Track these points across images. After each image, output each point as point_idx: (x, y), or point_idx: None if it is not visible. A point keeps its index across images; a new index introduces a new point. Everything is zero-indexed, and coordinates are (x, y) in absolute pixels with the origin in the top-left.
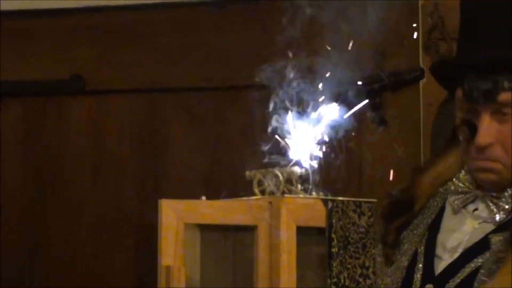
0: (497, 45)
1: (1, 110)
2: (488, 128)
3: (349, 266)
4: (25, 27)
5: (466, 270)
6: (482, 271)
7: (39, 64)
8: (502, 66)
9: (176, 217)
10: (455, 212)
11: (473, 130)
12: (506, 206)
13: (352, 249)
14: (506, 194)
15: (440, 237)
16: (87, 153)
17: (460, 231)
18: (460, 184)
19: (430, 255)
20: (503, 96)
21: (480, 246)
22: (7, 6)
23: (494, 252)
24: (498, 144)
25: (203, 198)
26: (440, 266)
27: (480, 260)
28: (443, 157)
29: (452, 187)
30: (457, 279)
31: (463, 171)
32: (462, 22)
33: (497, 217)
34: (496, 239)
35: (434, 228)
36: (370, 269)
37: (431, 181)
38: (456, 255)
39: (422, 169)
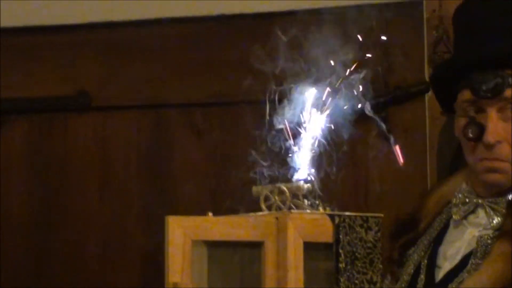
0: (501, 40)
1: (7, 127)
2: (496, 126)
3: (356, 281)
4: (30, 43)
5: (465, 274)
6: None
7: (45, 81)
8: (507, 61)
9: (183, 233)
10: (456, 224)
11: (480, 130)
12: (504, 210)
13: (359, 265)
14: (504, 199)
15: (442, 249)
16: (93, 170)
17: (461, 240)
18: (460, 196)
19: (432, 266)
20: (510, 92)
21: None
22: (12, 23)
23: (481, 247)
24: (505, 143)
25: (210, 214)
26: (440, 274)
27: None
28: (449, 178)
29: (454, 201)
30: (454, 284)
31: (464, 184)
32: (460, 23)
33: (494, 221)
34: (484, 237)
35: (437, 241)
36: (378, 285)
37: (436, 201)
38: (455, 262)
39: (428, 192)
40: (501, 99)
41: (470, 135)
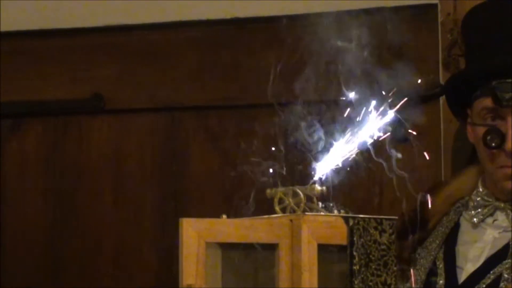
0: None
1: (22, 130)
2: None
3: (370, 283)
4: (45, 47)
5: (491, 276)
6: (505, 275)
7: (59, 84)
8: None
9: (197, 236)
10: (475, 226)
11: (501, 138)
12: None
13: (373, 267)
14: None
15: (460, 249)
16: (107, 172)
17: (481, 241)
18: (478, 199)
19: (451, 267)
20: None
21: (502, 254)
22: (27, 26)
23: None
24: None
25: (224, 216)
26: (463, 276)
27: (502, 266)
28: (455, 177)
29: (471, 203)
30: (482, 285)
31: (480, 187)
32: (472, 29)
33: None
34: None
35: (450, 242)
36: (392, 287)
37: (444, 200)
38: (479, 264)
39: (434, 189)
40: None
41: (491, 143)
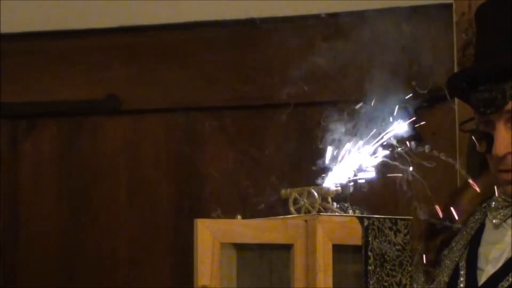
0: (498, 55)
1: (37, 131)
2: (503, 138)
3: (385, 284)
4: (60, 47)
5: (510, 278)
6: None
7: (74, 85)
8: (504, 74)
9: (212, 236)
10: (496, 227)
11: (490, 143)
12: None
13: (388, 267)
14: None
15: (482, 250)
16: (122, 173)
17: (502, 242)
18: (500, 200)
19: (473, 268)
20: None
21: None
22: (41, 27)
23: None
24: None
25: (239, 217)
26: (483, 277)
27: None
28: (480, 177)
29: (493, 204)
30: (500, 287)
31: (502, 188)
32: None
33: None
34: None
35: (474, 242)
36: (407, 287)
37: (470, 200)
38: (499, 265)
39: (461, 190)
40: (508, 111)
41: (481, 149)
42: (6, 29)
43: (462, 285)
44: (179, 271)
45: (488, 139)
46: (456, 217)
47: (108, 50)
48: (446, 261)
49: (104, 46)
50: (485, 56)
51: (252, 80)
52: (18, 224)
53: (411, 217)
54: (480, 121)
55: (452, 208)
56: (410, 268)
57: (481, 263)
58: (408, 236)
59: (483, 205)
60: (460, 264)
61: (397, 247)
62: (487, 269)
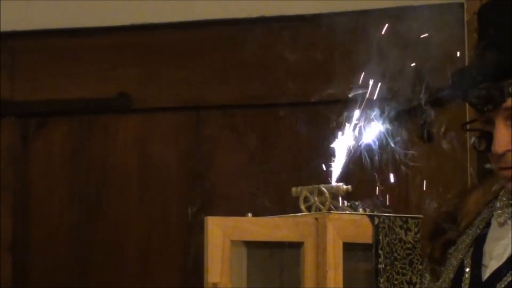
0: (497, 53)
1: (48, 129)
2: (503, 136)
3: (396, 282)
4: (71, 46)
5: None
6: None
7: (85, 83)
8: (502, 72)
9: (222, 234)
10: (501, 225)
11: (489, 141)
12: None
13: (399, 266)
14: None
15: (487, 248)
16: (133, 171)
17: (506, 239)
18: (504, 199)
19: (477, 265)
20: (510, 102)
21: None
22: (53, 25)
23: None
24: None
25: (249, 215)
26: (486, 273)
27: None
28: (486, 179)
29: (498, 203)
30: (503, 283)
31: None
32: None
33: None
34: None
35: (480, 241)
36: (417, 286)
37: (477, 201)
38: (502, 260)
39: (468, 190)
40: (507, 109)
41: (479, 147)
42: (18, 27)
43: (466, 282)
44: (189, 269)
45: (488, 137)
46: (463, 217)
47: (119, 49)
48: (452, 259)
49: (116, 45)
50: (485, 55)
51: (263, 79)
52: (29, 223)
53: (422, 216)
54: (481, 120)
55: (459, 208)
56: (420, 267)
57: (485, 259)
58: (418, 235)
59: (489, 205)
60: (465, 261)
61: (408, 246)
62: (491, 264)
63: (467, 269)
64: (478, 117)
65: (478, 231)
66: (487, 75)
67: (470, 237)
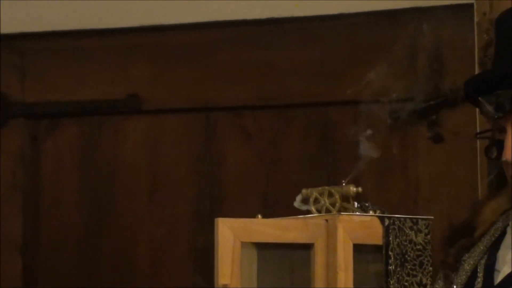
0: (508, 62)
1: (57, 130)
2: None
3: (406, 284)
4: (81, 47)
5: None
6: None
7: (95, 84)
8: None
9: (232, 235)
10: None
11: (500, 149)
12: None
13: (409, 267)
14: None
15: (501, 254)
16: (143, 173)
17: None
18: None
19: (490, 270)
20: None
21: None
22: (63, 26)
23: None
24: None
25: (259, 216)
26: (499, 278)
27: None
28: (504, 189)
29: None
30: None
31: None
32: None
33: None
34: None
35: (494, 248)
36: (428, 287)
37: (493, 210)
38: None
39: (485, 200)
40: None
41: (490, 154)
42: (28, 28)
43: (478, 286)
44: (199, 270)
45: (500, 145)
46: (479, 225)
47: (129, 50)
48: (465, 265)
49: (126, 46)
50: (498, 62)
51: (273, 80)
52: (39, 223)
53: (432, 217)
54: (493, 128)
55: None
56: (430, 268)
57: (498, 265)
58: (429, 236)
59: (506, 214)
60: (479, 267)
61: (418, 247)
62: (504, 269)
63: (480, 274)
64: (491, 125)
65: (493, 239)
66: (499, 83)
67: (485, 244)
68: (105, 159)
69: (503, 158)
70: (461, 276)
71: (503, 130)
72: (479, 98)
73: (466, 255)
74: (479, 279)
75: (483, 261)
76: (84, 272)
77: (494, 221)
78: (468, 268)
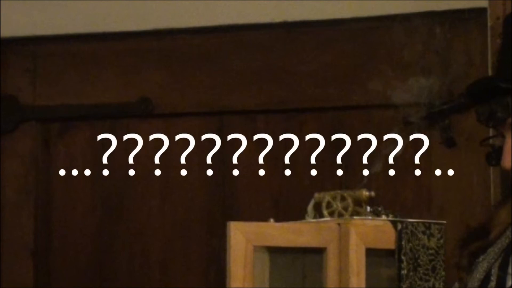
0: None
1: (69, 134)
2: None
3: None
4: (92, 50)
5: None
6: None
7: (107, 88)
8: (507, 88)
9: (245, 239)
10: None
11: (498, 156)
12: None
13: (421, 271)
14: None
15: None
16: (155, 176)
17: None
18: None
19: (503, 273)
20: None
21: None
22: (74, 30)
23: None
24: None
25: (272, 220)
26: (511, 281)
27: None
28: None
29: None
30: None
31: None
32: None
33: None
34: None
35: (508, 251)
36: None
37: (508, 212)
38: None
39: (501, 203)
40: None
41: (491, 161)
42: (40, 31)
43: None
44: (212, 274)
45: (499, 153)
46: (494, 227)
47: (141, 53)
48: (479, 267)
49: (137, 49)
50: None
51: (285, 84)
52: (51, 227)
53: (445, 222)
54: (496, 134)
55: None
56: (443, 273)
57: (511, 268)
58: (441, 241)
59: None
60: (493, 270)
61: (431, 252)
62: None
63: (493, 277)
64: (493, 132)
65: (508, 241)
66: (496, 88)
67: (499, 247)
68: (117, 163)
69: (501, 166)
70: (475, 278)
71: (502, 136)
72: (477, 105)
73: (481, 258)
74: (492, 283)
75: (496, 264)
76: (96, 276)
77: (509, 224)
78: (482, 270)
